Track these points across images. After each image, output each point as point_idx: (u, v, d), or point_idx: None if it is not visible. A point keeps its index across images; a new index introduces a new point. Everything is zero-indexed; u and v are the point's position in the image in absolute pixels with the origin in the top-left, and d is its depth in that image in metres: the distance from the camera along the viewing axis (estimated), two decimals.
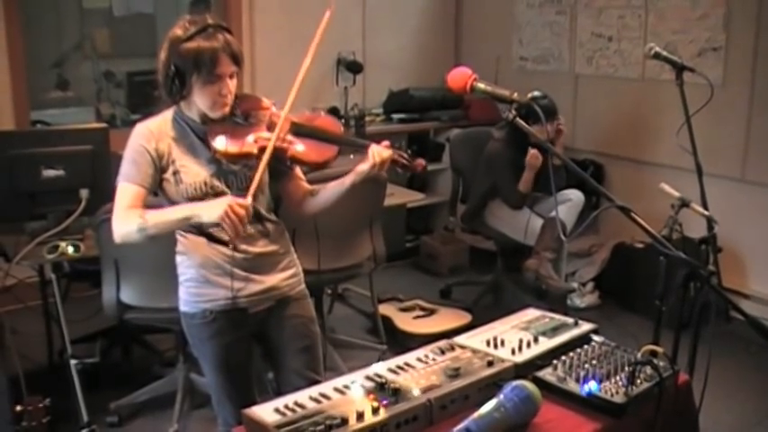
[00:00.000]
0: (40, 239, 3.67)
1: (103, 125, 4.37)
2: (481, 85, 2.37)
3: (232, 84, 2.60)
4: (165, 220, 2.54)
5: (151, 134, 2.61)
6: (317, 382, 2.34)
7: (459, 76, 2.39)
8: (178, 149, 2.62)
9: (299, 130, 2.68)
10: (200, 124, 2.63)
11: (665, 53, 3.83)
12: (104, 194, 3.72)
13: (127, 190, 2.59)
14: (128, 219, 2.54)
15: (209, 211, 2.45)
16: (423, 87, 6.85)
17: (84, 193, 3.76)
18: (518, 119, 2.35)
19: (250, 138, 2.60)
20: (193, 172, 2.61)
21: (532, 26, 6.74)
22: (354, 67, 6.38)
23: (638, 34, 5.81)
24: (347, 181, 2.70)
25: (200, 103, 2.58)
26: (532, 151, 5.01)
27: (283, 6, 6.23)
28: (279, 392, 2.85)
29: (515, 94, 2.31)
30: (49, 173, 3.78)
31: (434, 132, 6.92)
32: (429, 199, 6.37)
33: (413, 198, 5.30)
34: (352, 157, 2.80)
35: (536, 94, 4.94)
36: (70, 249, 3.69)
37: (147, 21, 7.88)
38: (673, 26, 5.58)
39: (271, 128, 2.64)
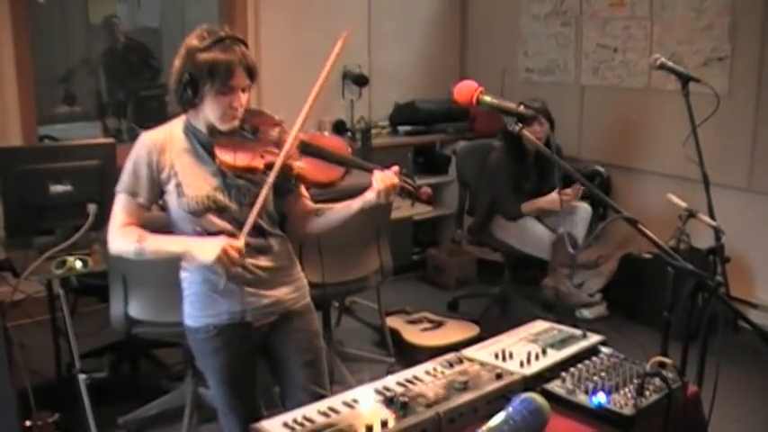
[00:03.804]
0: (48, 254, 3.67)
1: (110, 140, 4.39)
2: (487, 99, 2.37)
3: (244, 97, 2.61)
4: (161, 249, 2.59)
5: (154, 146, 2.61)
6: (321, 397, 2.34)
7: (466, 90, 2.40)
8: (182, 161, 2.62)
9: (306, 149, 2.68)
10: (207, 135, 2.64)
11: (670, 64, 3.82)
12: (112, 209, 3.74)
13: (125, 203, 2.62)
14: (125, 238, 2.59)
15: (204, 253, 2.47)
16: (429, 100, 6.87)
17: (91, 207, 3.76)
18: (524, 131, 2.36)
19: (257, 152, 2.61)
20: (196, 185, 2.61)
21: (538, 38, 6.76)
22: (360, 80, 6.39)
23: (644, 45, 5.82)
24: (355, 206, 2.69)
25: (209, 113, 2.59)
26: (562, 196, 5.02)
27: (290, 21, 6.25)
28: (284, 406, 2.86)
29: (521, 107, 2.32)
30: (57, 188, 3.79)
31: (440, 145, 6.93)
32: (436, 212, 6.37)
33: (419, 211, 5.30)
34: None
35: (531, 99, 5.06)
36: (78, 264, 3.70)
37: (154, 35, 7.92)
38: (678, 36, 5.58)
39: (279, 144, 2.63)
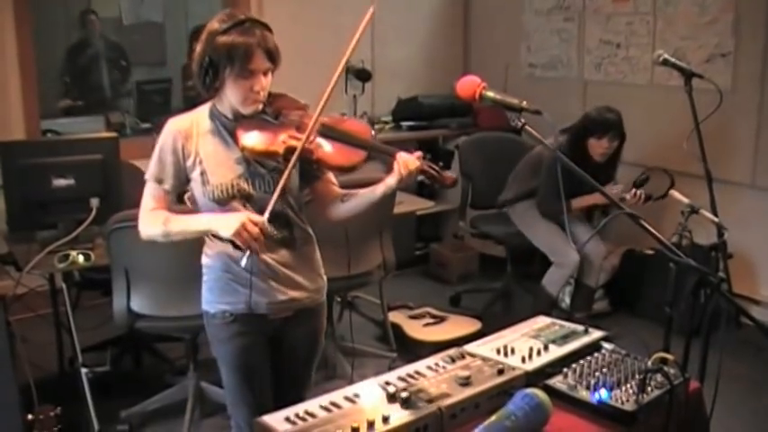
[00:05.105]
0: (51, 248, 3.68)
1: (113, 134, 4.40)
2: (490, 94, 2.37)
3: (266, 81, 2.58)
4: (186, 229, 2.60)
5: (179, 133, 2.61)
6: (301, 397, 2.29)
7: (468, 85, 2.39)
8: (207, 147, 2.61)
9: (327, 133, 2.63)
10: (232, 120, 2.62)
11: (673, 60, 3.82)
12: (115, 203, 3.75)
13: (152, 190, 2.64)
14: (153, 222, 2.61)
15: (225, 226, 2.46)
16: (432, 95, 6.86)
17: (94, 201, 3.78)
18: (527, 127, 2.35)
19: (278, 137, 2.57)
20: (220, 173, 2.60)
21: (541, 33, 6.75)
22: (363, 76, 6.37)
23: (647, 40, 5.81)
24: (379, 191, 2.63)
25: (231, 97, 2.57)
26: (630, 193, 4.77)
27: (293, 16, 6.24)
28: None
29: (524, 103, 2.31)
30: (60, 182, 3.80)
31: (444, 140, 6.92)
32: (438, 207, 6.37)
33: (422, 206, 5.29)
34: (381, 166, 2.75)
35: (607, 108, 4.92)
36: (81, 258, 3.70)
37: (157, 30, 7.92)
38: (681, 32, 5.58)
39: (300, 128, 2.59)
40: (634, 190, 4.76)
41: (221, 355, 2.81)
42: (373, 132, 2.75)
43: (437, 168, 2.60)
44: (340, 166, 2.65)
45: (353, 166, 2.63)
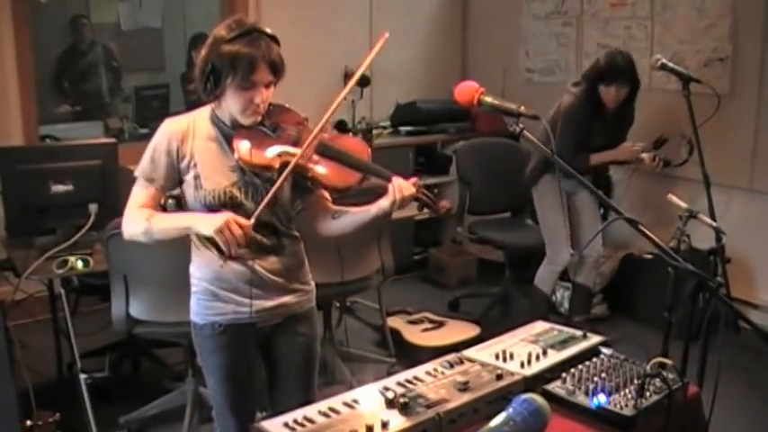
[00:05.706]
0: (50, 254, 3.68)
1: (112, 140, 4.40)
2: (488, 99, 2.37)
3: (267, 93, 2.55)
4: (168, 227, 2.57)
5: (174, 134, 2.60)
6: (308, 401, 2.32)
7: (466, 90, 2.40)
8: (203, 152, 2.60)
9: (324, 151, 2.61)
10: (230, 128, 2.61)
11: (671, 64, 3.83)
12: (113, 209, 3.74)
13: (142, 189, 2.63)
14: (136, 219, 2.58)
15: (209, 224, 2.44)
16: (430, 100, 6.87)
17: (92, 207, 3.78)
18: (525, 132, 2.36)
19: (274, 150, 2.55)
20: (214, 179, 2.59)
21: (539, 38, 6.76)
22: (362, 81, 6.37)
23: (645, 45, 5.82)
24: (371, 212, 2.64)
25: (231, 106, 2.55)
26: (648, 155, 4.75)
27: (291, 21, 6.25)
28: (272, 406, 2.86)
29: (522, 108, 2.32)
30: (58, 188, 3.81)
31: (442, 145, 6.93)
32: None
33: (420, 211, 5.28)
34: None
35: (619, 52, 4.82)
36: (79, 264, 3.70)
37: (155, 35, 7.91)
38: (679, 36, 5.58)
39: (297, 143, 2.58)
40: (653, 152, 4.71)
41: (208, 366, 2.80)
42: (369, 151, 2.73)
43: (431, 196, 2.62)
44: (334, 186, 2.64)
45: (348, 187, 2.62)
